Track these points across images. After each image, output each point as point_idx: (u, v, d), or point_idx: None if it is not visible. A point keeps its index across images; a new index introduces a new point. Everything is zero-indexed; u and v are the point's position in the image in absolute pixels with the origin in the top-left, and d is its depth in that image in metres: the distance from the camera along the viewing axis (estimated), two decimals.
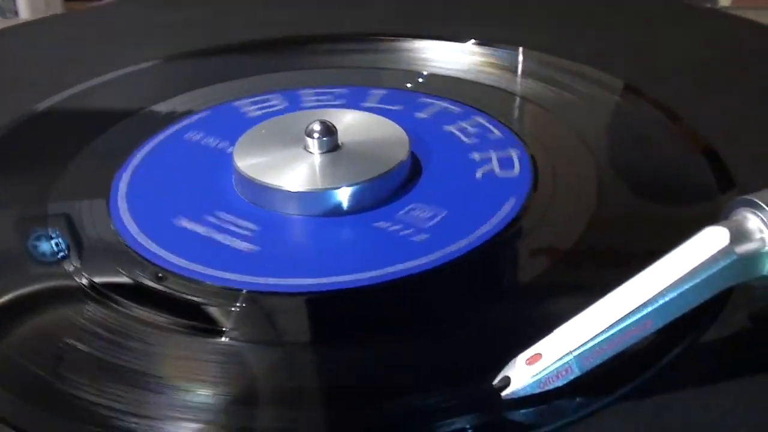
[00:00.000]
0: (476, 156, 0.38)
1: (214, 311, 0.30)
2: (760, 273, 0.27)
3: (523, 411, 0.25)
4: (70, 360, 0.28)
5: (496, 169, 0.37)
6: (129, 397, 0.26)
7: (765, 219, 0.27)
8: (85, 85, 0.47)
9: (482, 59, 0.47)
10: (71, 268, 0.32)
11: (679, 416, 0.25)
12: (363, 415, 0.26)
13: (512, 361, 0.26)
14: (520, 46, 0.48)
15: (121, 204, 0.36)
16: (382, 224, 0.34)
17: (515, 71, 0.46)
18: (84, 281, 0.31)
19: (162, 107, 0.44)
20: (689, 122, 0.40)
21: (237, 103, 0.44)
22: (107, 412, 0.26)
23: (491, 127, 0.40)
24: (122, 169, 0.38)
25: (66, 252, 0.33)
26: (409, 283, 0.31)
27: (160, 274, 0.31)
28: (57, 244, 0.34)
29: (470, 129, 0.40)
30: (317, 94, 0.44)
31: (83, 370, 0.27)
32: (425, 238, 0.33)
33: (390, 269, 0.31)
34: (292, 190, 0.34)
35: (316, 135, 0.36)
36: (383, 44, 0.50)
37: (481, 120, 0.41)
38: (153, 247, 0.33)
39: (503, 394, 0.25)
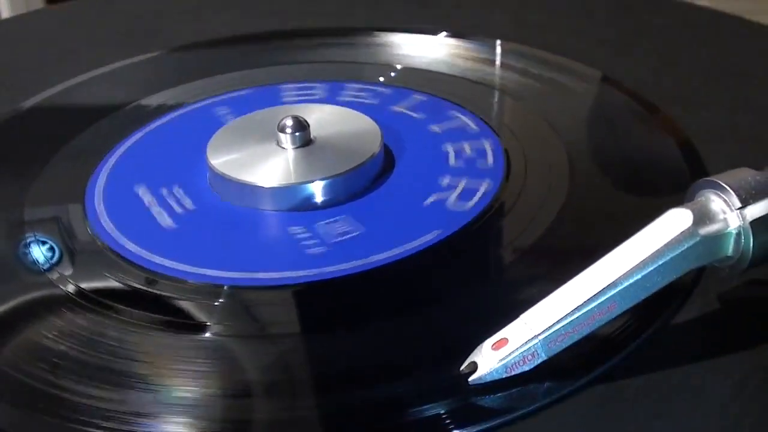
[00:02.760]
0: (449, 147, 0.38)
1: (196, 307, 0.30)
2: (724, 254, 0.27)
3: (490, 396, 0.25)
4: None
5: (469, 160, 0.37)
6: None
7: (728, 200, 0.27)
8: (62, 86, 0.46)
9: (454, 51, 0.47)
10: (56, 276, 0.32)
11: (650, 400, 0.25)
12: (328, 405, 0.26)
13: (479, 346, 0.26)
14: (495, 38, 0.48)
15: (99, 207, 0.36)
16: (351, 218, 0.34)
17: (489, 63, 0.46)
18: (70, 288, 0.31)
19: (144, 103, 0.44)
20: (665, 114, 0.40)
21: (208, 102, 0.44)
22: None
23: (464, 118, 0.40)
24: (99, 168, 0.38)
25: (52, 258, 0.33)
26: (378, 273, 0.31)
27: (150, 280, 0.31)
28: (46, 251, 0.34)
29: (444, 121, 0.40)
30: (293, 90, 0.44)
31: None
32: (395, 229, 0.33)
33: (360, 261, 0.31)
34: (266, 186, 0.35)
35: (288, 130, 0.36)
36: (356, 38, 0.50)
37: (454, 112, 0.41)
38: (139, 251, 0.33)
39: (470, 379, 0.25)
